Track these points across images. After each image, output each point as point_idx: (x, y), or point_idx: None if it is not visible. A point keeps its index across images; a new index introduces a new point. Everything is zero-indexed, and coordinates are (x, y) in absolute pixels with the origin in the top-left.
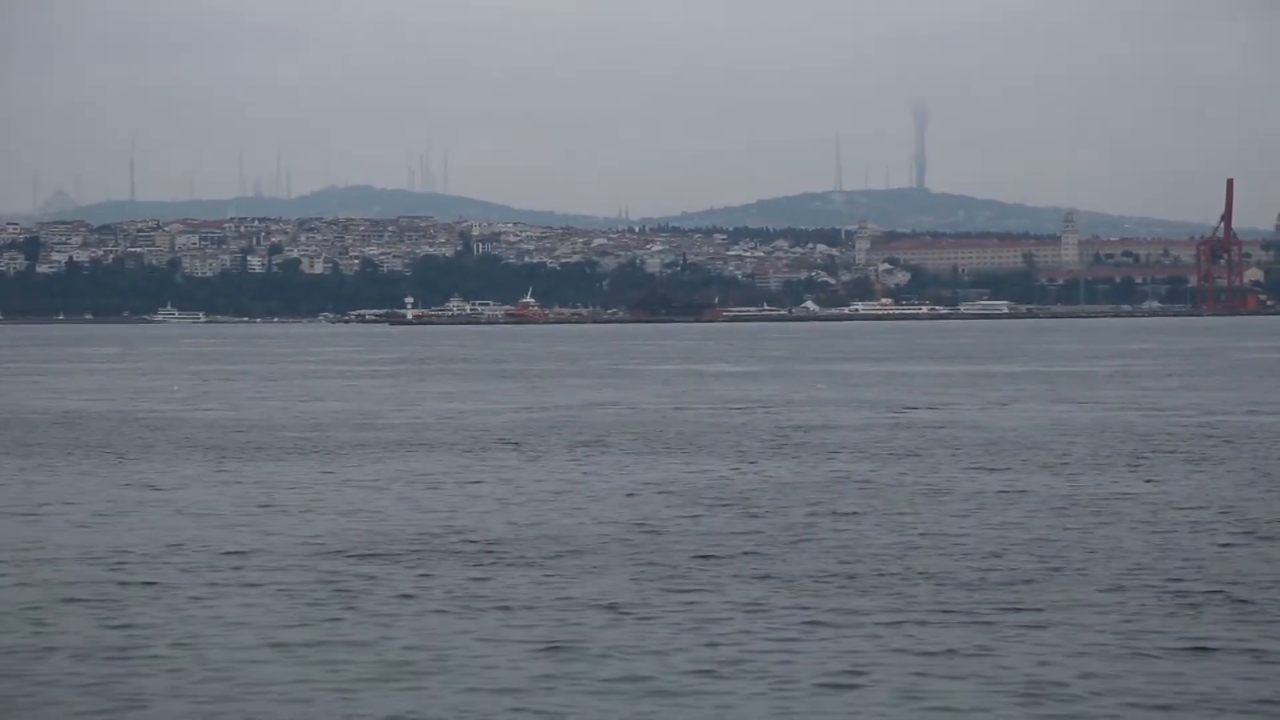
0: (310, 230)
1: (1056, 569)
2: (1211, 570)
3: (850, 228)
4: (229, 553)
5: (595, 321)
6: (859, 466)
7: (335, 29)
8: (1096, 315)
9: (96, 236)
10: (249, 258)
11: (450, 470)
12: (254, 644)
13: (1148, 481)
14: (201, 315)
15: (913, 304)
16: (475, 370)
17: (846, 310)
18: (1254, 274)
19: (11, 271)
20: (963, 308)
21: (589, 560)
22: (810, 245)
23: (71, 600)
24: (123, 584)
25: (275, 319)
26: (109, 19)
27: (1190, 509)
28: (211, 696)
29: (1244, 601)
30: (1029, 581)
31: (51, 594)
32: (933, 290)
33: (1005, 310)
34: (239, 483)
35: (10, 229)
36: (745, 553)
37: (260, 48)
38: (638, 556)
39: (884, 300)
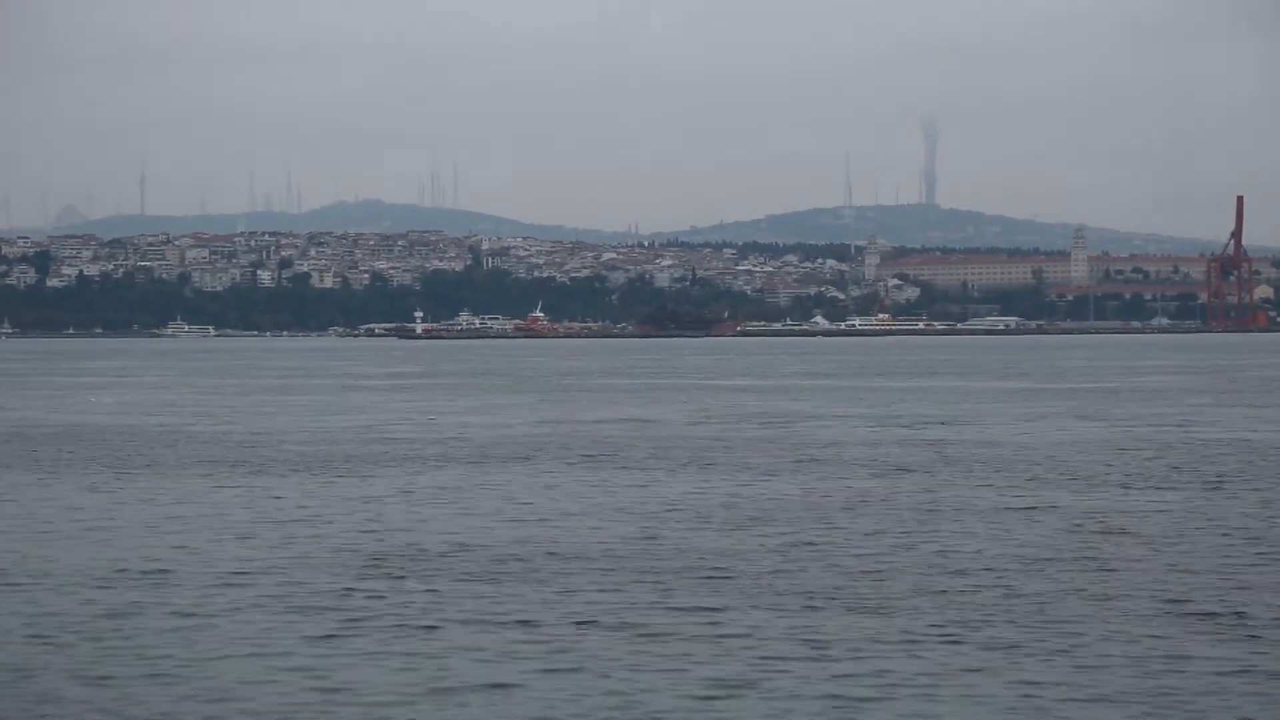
0: (320, 244)
1: (1075, 589)
2: (1232, 592)
3: (860, 243)
4: (239, 570)
5: (604, 336)
6: (876, 483)
7: (344, 45)
8: (1106, 331)
9: (107, 250)
10: (259, 272)
11: (467, 485)
12: (264, 663)
13: (1178, 499)
14: (211, 329)
15: (910, 320)
16: (493, 385)
17: (843, 325)
18: (1264, 291)
19: (22, 285)
20: (958, 325)
21: (599, 576)
22: (820, 260)
23: (70, 616)
24: (120, 601)
25: (285, 333)
26: (118, 36)
27: (1217, 528)
28: (214, 715)
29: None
30: (1043, 602)
31: (54, 609)
32: (942, 306)
33: (1002, 326)
34: (268, 497)
35: (21, 243)
36: (753, 571)
37: (269, 64)
38: (651, 573)
39: (881, 316)
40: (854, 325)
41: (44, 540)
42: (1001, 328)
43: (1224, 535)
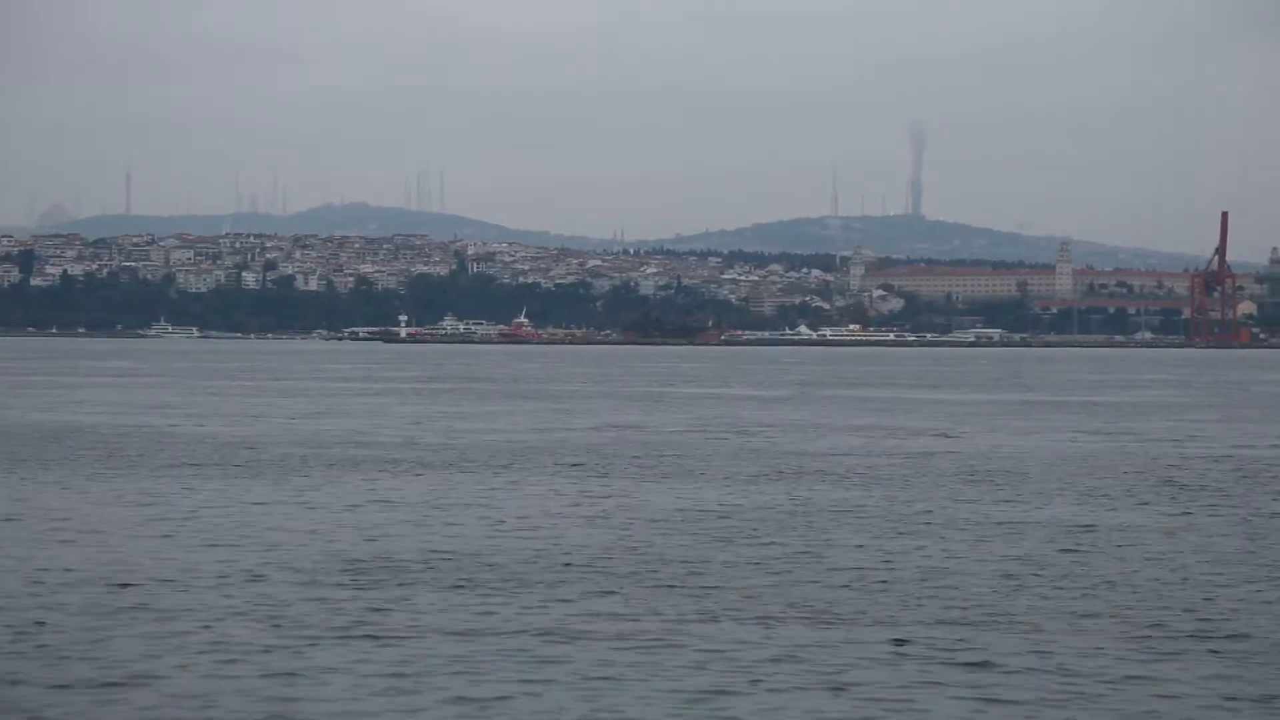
0: (305, 247)
1: (1057, 606)
2: (1215, 611)
3: (845, 253)
4: (237, 572)
5: (589, 343)
6: (861, 494)
7: (331, 48)
8: (1089, 345)
9: (91, 250)
10: (244, 273)
11: (459, 491)
12: (236, 671)
13: (1177, 515)
14: (195, 330)
15: (882, 331)
16: (490, 390)
17: (815, 335)
18: (1247, 307)
19: (5, 284)
20: (929, 336)
21: (581, 585)
22: (805, 270)
23: (42, 624)
24: (94, 607)
25: (269, 335)
26: (105, 37)
27: (1212, 546)
28: None
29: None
30: (1023, 620)
31: (26, 616)
32: (927, 317)
33: (973, 338)
34: (262, 501)
35: (5, 241)
36: (731, 581)
37: (256, 66)
38: (631, 581)
39: (852, 327)
40: (825, 335)
41: (18, 542)
42: (972, 339)
43: (1209, 553)
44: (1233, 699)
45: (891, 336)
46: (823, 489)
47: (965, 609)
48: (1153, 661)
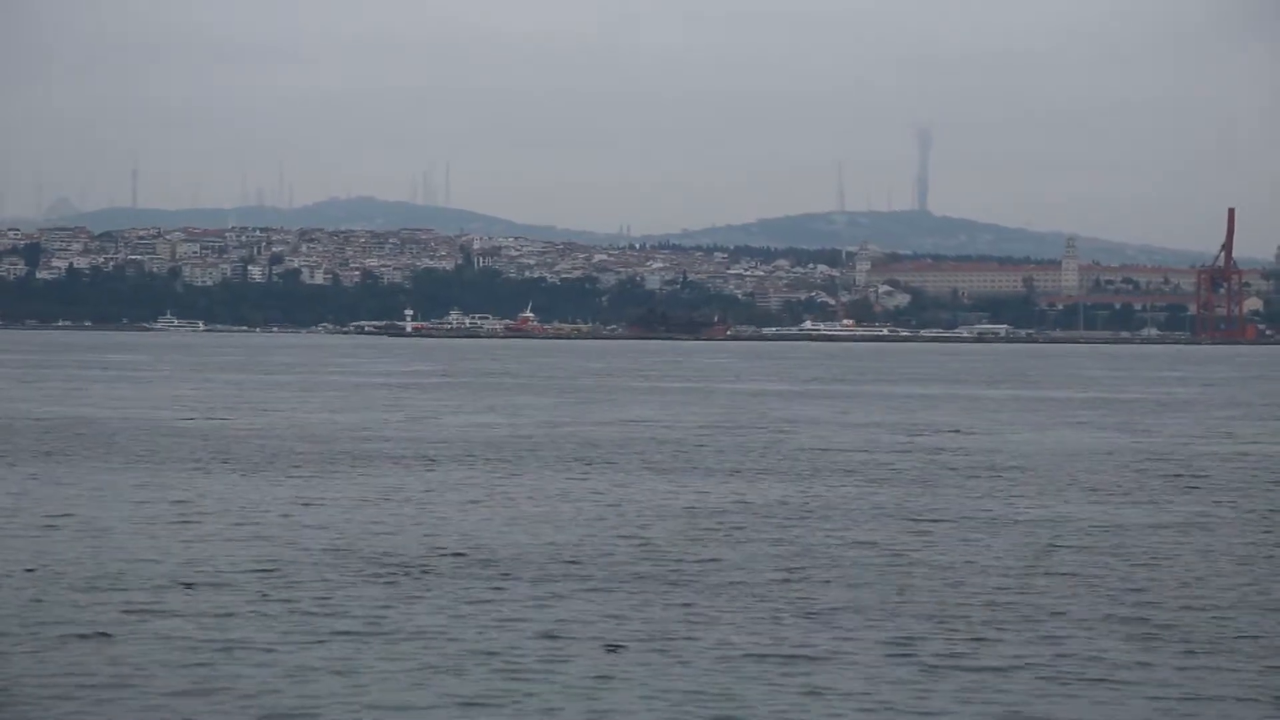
0: (311, 240)
1: (1066, 607)
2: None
3: (851, 249)
4: (243, 566)
5: (594, 337)
6: (874, 490)
7: (331, 48)
8: (1095, 341)
9: (97, 243)
10: (249, 267)
11: (469, 485)
12: (236, 667)
13: (1196, 513)
14: (201, 324)
15: (875, 327)
16: (507, 384)
17: (803, 329)
18: (1253, 303)
19: (11, 277)
20: (921, 331)
21: (574, 583)
22: (811, 265)
23: (50, 615)
24: (76, 602)
25: (275, 328)
26: (115, 31)
27: (1228, 546)
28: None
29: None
30: (1033, 619)
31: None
32: (933, 313)
33: (968, 334)
34: (274, 495)
35: (11, 234)
36: (728, 582)
37: (264, 60)
38: (630, 580)
39: (846, 322)
40: (819, 330)
41: (12, 537)
42: (966, 335)
43: (1225, 552)
44: (1250, 700)
45: (885, 332)
46: (830, 483)
47: (972, 606)
48: (1164, 661)
